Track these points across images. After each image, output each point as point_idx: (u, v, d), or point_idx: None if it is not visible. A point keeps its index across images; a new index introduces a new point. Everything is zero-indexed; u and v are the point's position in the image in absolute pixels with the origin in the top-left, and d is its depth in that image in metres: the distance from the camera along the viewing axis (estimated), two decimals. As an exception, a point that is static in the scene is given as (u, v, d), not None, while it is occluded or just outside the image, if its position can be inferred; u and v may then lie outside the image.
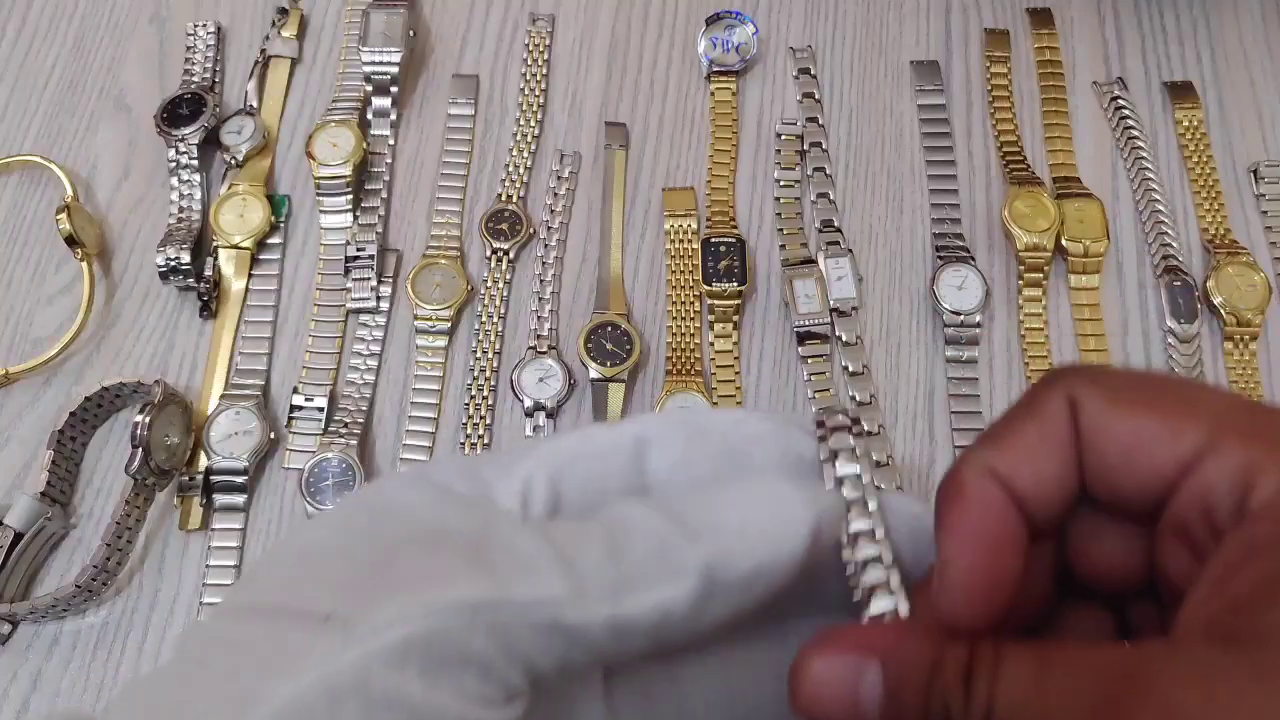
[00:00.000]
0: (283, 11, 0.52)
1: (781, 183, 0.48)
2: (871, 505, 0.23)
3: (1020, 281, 0.46)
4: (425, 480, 0.23)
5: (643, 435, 0.23)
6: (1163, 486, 0.21)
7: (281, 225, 0.48)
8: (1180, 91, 0.50)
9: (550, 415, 0.43)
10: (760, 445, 0.24)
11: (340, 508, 0.23)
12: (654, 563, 0.21)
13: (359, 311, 0.46)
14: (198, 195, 0.48)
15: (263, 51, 0.51)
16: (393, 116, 0.49)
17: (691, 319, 0.45)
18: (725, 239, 0.46)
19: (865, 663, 0.21)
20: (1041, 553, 0.23)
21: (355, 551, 0.21)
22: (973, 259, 0.46)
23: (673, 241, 0.47)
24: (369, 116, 0.50)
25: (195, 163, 0.48)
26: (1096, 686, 0.18)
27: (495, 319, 0.46)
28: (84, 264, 0.45)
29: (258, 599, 0.20)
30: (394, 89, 0.49)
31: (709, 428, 0.24)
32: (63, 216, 0.45)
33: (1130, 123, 0.49)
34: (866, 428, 0.24)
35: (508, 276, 0.47)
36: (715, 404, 0.44)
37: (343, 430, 0.43)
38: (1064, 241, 0.46)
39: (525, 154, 0.49)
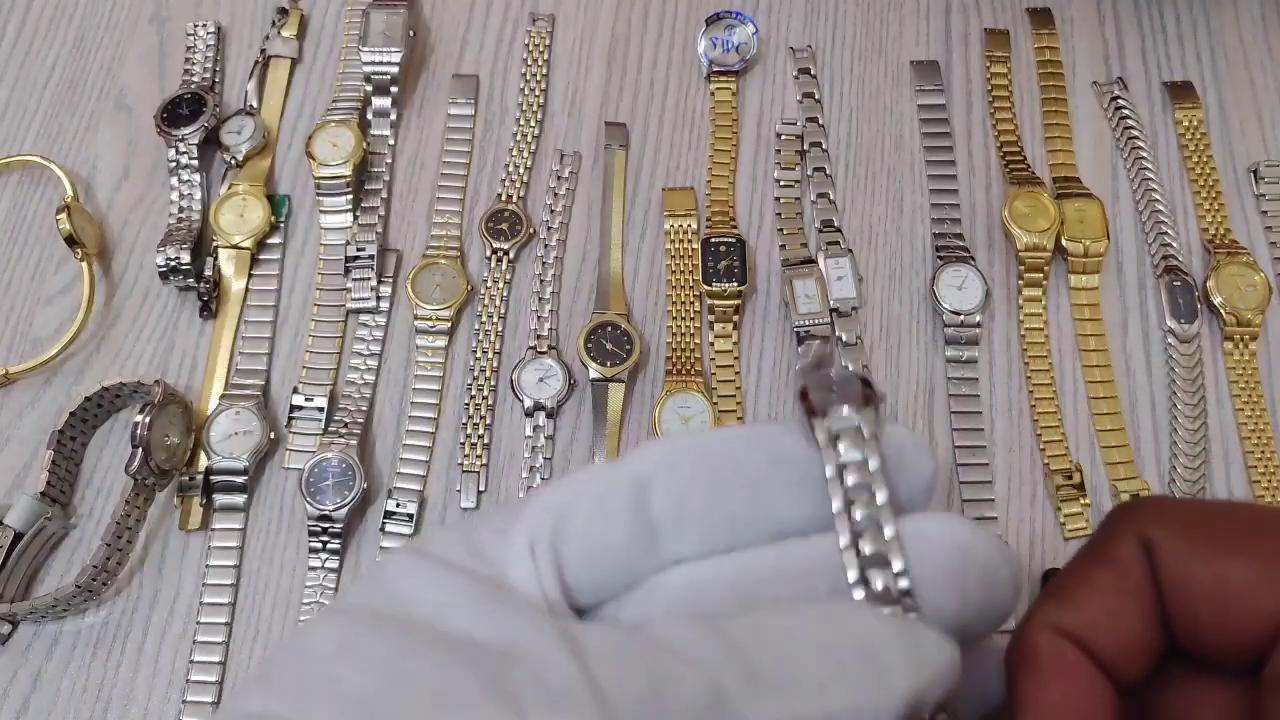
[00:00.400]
0: (283, 11, 0.52)
1: (781, 183, 0.48)
2: (888, 532, 0.20)
3: (1020, 281, 0.46)
4: (434, 565, 0.20)
5: (640, 473, 0.21)
6: (1263, 639, 0.18)
7: (281, 225, 0.48)
8: (1180, 91, 0.50)
9: (550, 415, 0.43)
10: (746, 448, 0.22)
11: (348, 603, 0.20)
12: (706, 714, 0.17)
13: (359, 311, 0.46)
14: (198, 195, 0.48)
15: (263, 51, 0.51)
16: (393, 116, 0.50)
17: (691, 319, 0.45)
18: (725, 239, 0.46)
19: None
20: (1127, 713, 0.20)
21: (370, 664, 0.18)
22: (973, 259, 0.46)
23: (673, 241, 0.47)
24: (369, 116, 0.50)
25: (195, 163, 0.48)
26: None
27: (495, 319, 0.46)
28: (84, 264, 0.45)
29: (260, 709, 0.18)
30: (394, 89, 0.49)
31: (711, 450, 0.21)
32: (63, 216, 0.45)
33: (1130, 123, 0.49)
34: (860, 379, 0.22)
35: (508, 276, 0.47)
36: (715, 404, 0.44)
37: (343, 430, 0.43)
38: (1064, 241, 0.46)
39: (525, 154, 0.49)
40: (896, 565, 0.20)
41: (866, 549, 0.20)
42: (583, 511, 0.21)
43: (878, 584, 0.20)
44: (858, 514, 0.20)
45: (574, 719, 0.17)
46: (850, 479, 0.21)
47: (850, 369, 0.23)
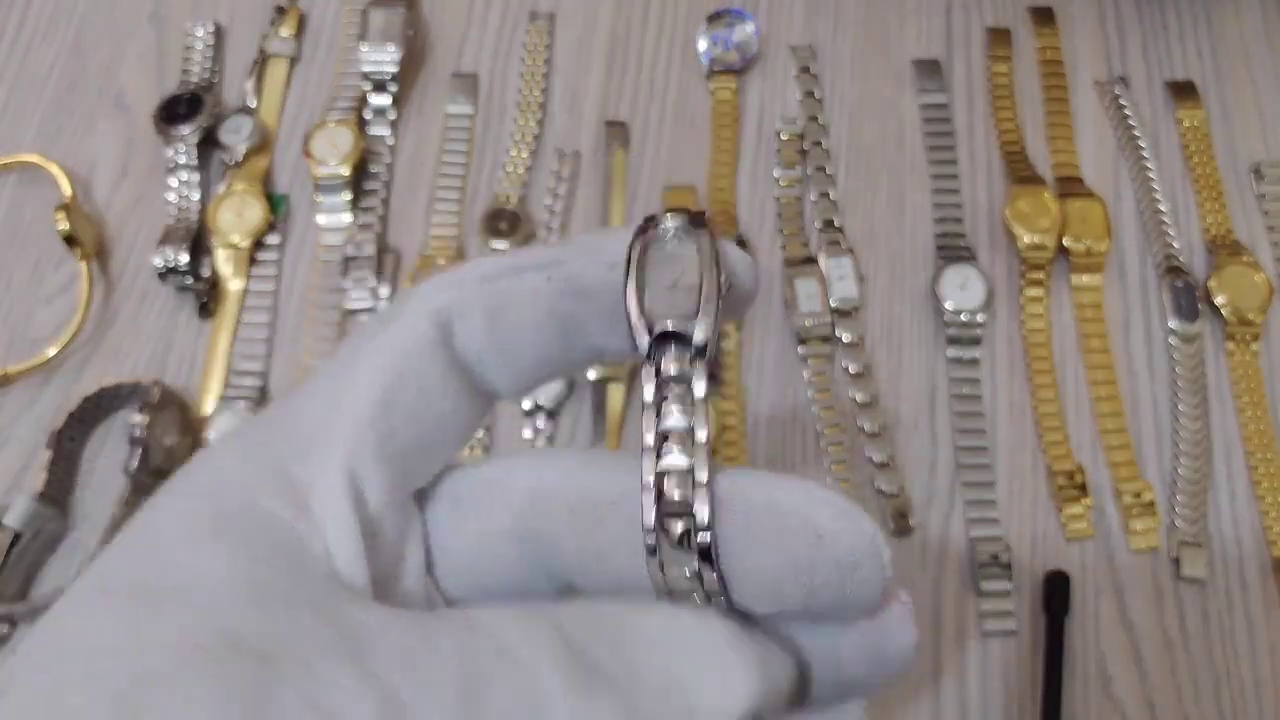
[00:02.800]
0: (281, 10, 0.52)
1: (782, 182, 0.48)
2: (700, 500, 0.17)
3: (1022, 281, 0.46)
4: (213, 529, 0.17)
5: (438, 321, 0.19)
6: None
7: (280, 225, 0.47)
8: (1182, 91, 0.50)
9: (550, 416, 0.43)
10: (546, 283, 0.19)
11: (108, 572, 0.17)
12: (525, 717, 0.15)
13: (357, 312, 0.46)
14: (196, 195, 0.48)
15: (261, 50, 0.51)
16: (392, 115, 0.49)
17: (692, 319, 0.45)
18: (726, 239, 0.46)
19: None
20: None
21: (107, 694, 0.14)
22: (975, 258, 0.46)
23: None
24: (367, 115, 0.49)
25: (194, 162, 0.48)
26: None
27: (495, 319, 0.46)
28: (82, 264, 0.45)
29: None
30: (393, 87, 0.49)
31: (510, 289, 0.19)
32: (61, 216, 0.45)
33: (1132, 122, 0.49)
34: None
35: (507, 276, 0.46)
36: (715, 404, 0.43)
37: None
38: (1066, 241, 0.46)
39: (525, 153, 0.49)
40: (702, 514, 0.17)
41: (674, 494, 0.17)
42: (401, 399, 0.18)
43: (676, 529, 0.17)
44: (673, 459, 0.18)
45: None
46: (671, 383, 0.18)
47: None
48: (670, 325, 0.18)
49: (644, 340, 0.18)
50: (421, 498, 0.20)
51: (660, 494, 0.17)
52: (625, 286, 0.19)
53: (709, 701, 0.16)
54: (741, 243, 0.46)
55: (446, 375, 0.19)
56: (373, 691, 0.14)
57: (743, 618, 0.18)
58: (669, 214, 0.19)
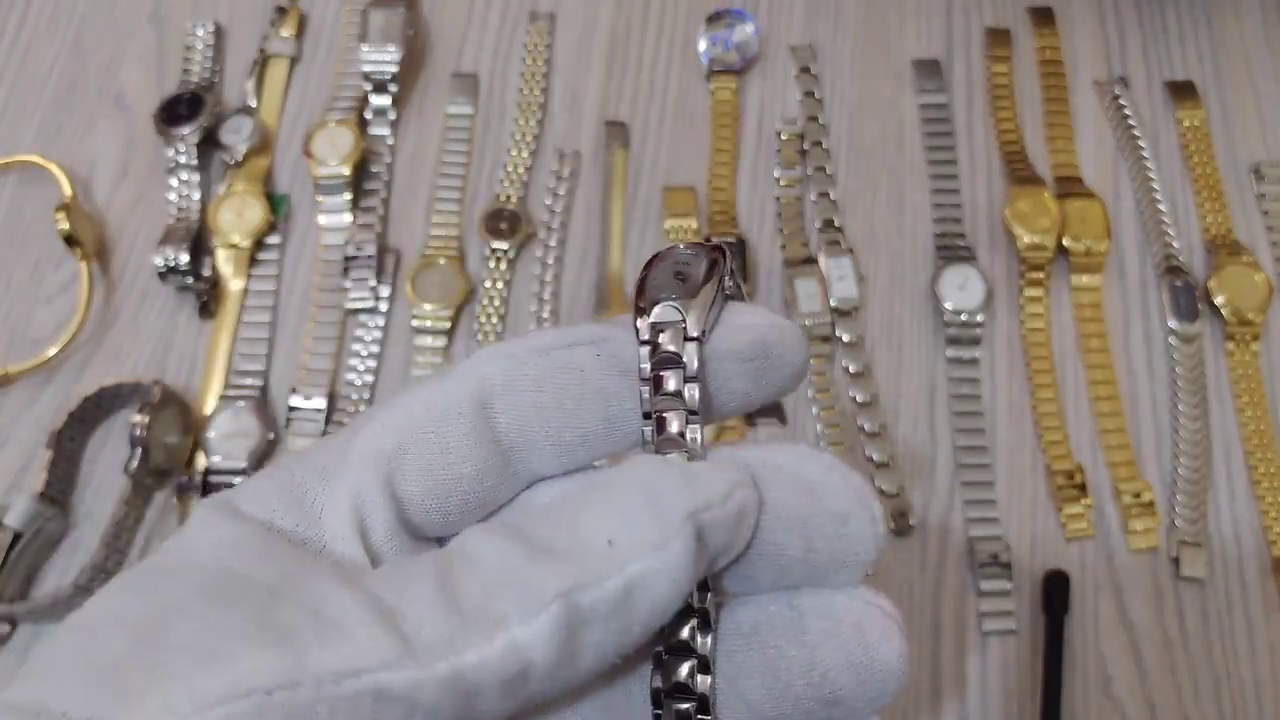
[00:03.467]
0: (281, 10, 0.52)
1: (782, 182, 0.48)
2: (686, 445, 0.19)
3: (1022, 281, 0.46)
4: (232, 513, 0.19)
5: (480, 394, 0.19)
6: None
7: (280, 225, 0.47)
8: (1182, 91, 0.50)
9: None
10: (593, 359, 0.20)
11: (135, 568, 0.18)
12: (498, 596, 0.16)
13: (358, 311, 0.46)
14: (196, 195, 0.48)
15: (261, 50, 0.51)
16: (392, 115, 0.49)
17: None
18: (726, 238, 0.46)
19: None
20: None
21: (125, 623, 0.16)
22: (974, 258, 0.46)
23: (673, 241, 0.47)
24: (368, 115, 0.49)
25: (194, 162, 0.48)
26: None
27: (495, 319, 0.46)
28: (82, 264, 0.45)
29: (20, 698, 0.16)
30: (393, 87, 0.49)
31: (556, 364, 0.20)
32: (61, 216, 0.45)
33: (1131, 122, 0.49)
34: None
35: (507, 276, 0.46)
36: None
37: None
38: (1065, 241, 0.46)
39: (525, 153, 0.49)
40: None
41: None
42: (419, 450, 0.19)
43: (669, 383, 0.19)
44: (670, 426, 0.19)
45: (355, 637, 0.16)
46: (669, 383, 0.19)
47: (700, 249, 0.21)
48: (664, 300, 0.19)
49: (640, 314, 0.19)
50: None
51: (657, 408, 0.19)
52: (637, 287, 0.19)
53: (652, 533, 0.17)
54: (742, 242, 0.46)
55: (475, 441, 0.19)
56: (368, 600, 0.16)
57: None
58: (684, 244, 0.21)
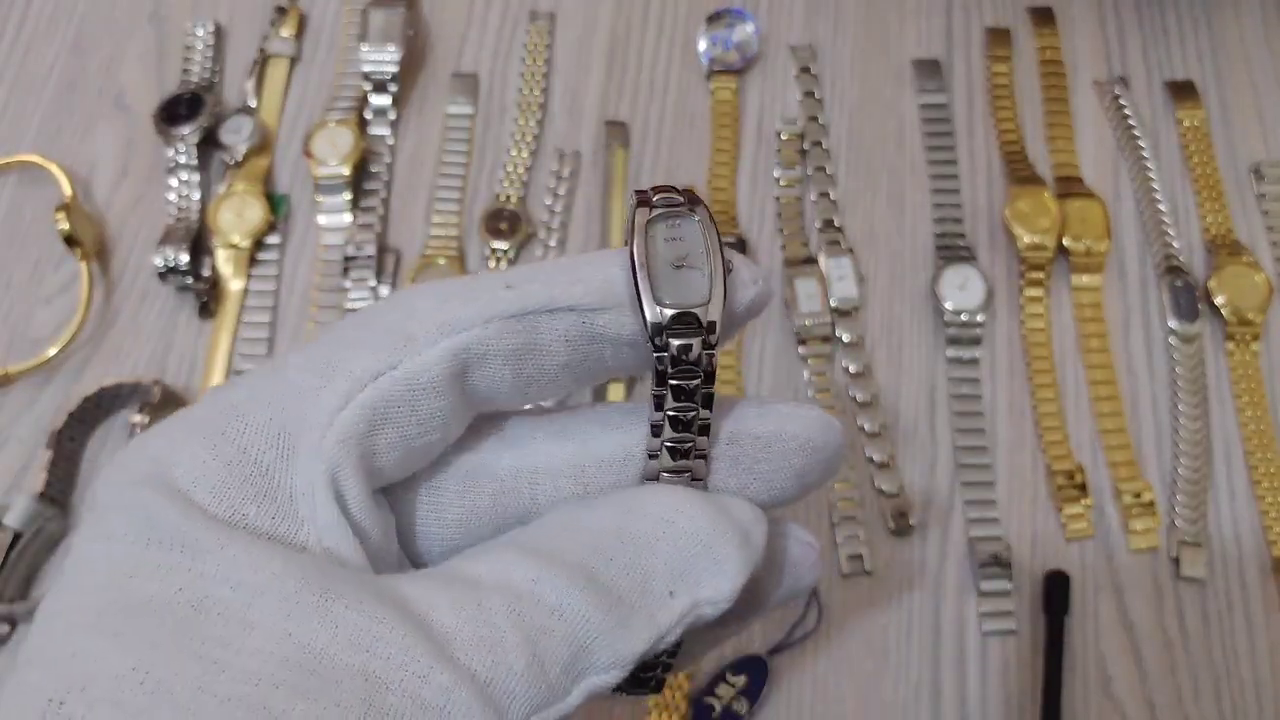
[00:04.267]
0: (281, 10, 0.52)
1: (782, 182, 0.48)
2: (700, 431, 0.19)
3: (1022, 281, 0.46)
4: (184, 512, 0.17)
5: (457, 364, 0.19)
6: None
7: (280, 225, 0.47)
8: (1182, 91, 0.50)
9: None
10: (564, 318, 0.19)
11: (93, 590, 0.16)
12: (582, 659, 0.17)
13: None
14: (196, 195, 0.48)
15: (261, 50, 0.51)
16: (392, 115, 0.49)
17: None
18: (726, 238, 0.46)
19: None
20: None
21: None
22: (974, 258, 0.46)
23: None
24: (368, 115, 0.49)
25: (194, 162, 0.48)
26: None
27: (495, 319, 0.46)
28: (82, 264, 0.45)
29: None
30: (393, 87, 0.49)
31: (534, 322, 0.19)
32: (61, 216, 0.45)
33: (1131, 122, 0.49)
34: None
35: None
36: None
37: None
38: (1066, 241, 0.46)
39: (525, 153, 0.49)
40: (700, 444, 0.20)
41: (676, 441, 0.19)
42: (394, 426, 0.18)
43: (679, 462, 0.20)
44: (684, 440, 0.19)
45: None
46: (684, 395, 0.19)
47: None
48: (680, 307, 0.19)
49: (656, 321, 0.19)
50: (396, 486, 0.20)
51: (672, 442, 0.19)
52: (633, 268, 0.19)
53: (708, 592, 0.19)
54: (742, 242, 0.46)
55: (449, 409, 0.19)
56: (463, 680, 0.16)
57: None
58: (658, 193, 0.20)
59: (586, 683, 0.17)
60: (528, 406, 0.21)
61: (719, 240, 0.19)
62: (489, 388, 0.19)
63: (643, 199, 0.20)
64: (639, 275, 0.19)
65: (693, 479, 0.20)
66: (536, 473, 0.20)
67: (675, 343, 0.19)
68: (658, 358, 0.19)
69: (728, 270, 0.19)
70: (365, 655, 0.16)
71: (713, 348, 0.19)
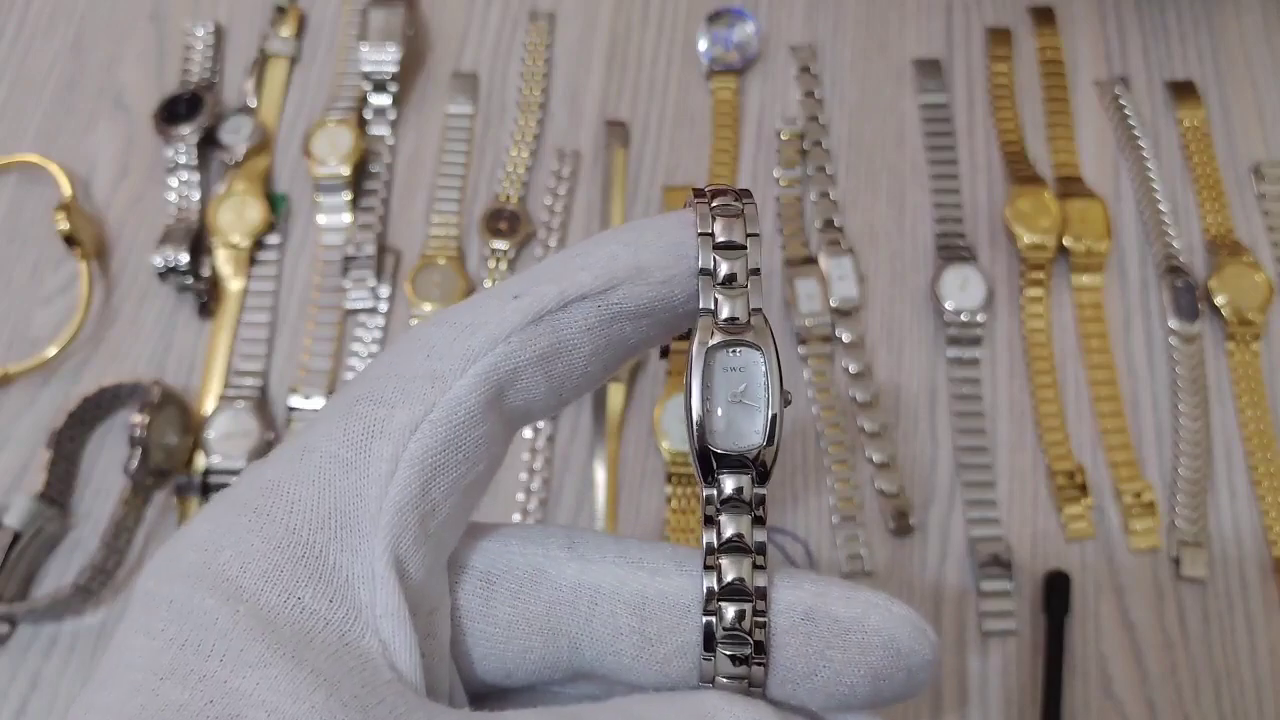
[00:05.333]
0: (281, 10, 0.52)
1: (782, 182, 0.48)
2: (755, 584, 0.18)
3: (1022, 281, 0.46)
4: (262, 626, 0.16)
5: (490, 389, 0.18)
6: None
7: (280, 225, 0.47)
8: (1182, 91, 0.50)
9: (551, 416, 0.43)
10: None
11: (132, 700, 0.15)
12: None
13: (357, 311, 0.46)
14: (196, 195, 0.48)
15: (261, 50, 0.51)
16: (392, 115, 0.49)
17: (692, 319, 0.45)
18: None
19: None
20: None
21: None
22: (975, 258, 0.46)
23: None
24: (368, 115, 0.49)
25: (194, 162, 0.48)
26: None
27: (495, 319, 0.46)
28: (82, 263, 0.45)
29: None
30: (393, 87, 0.49)
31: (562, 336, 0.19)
32: (61, 216, 0.45)
33: (1131, 122, 0.49)
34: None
35: (507, 276, 0.46)
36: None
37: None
38: (1066, 241, 0.46)
39: (525, 153, 0.49)
40: (758, 634, 0.18)
41: (730, 616, 0.18)
42: (445, 474, 0.18)
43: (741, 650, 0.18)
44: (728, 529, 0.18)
45: None
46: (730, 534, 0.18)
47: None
48: (735, 450, 0.18)
49: (709, 461, 0.18)
50: (450, 565, 0.19)
51: (718, 609, 0.18)
52: (689, 399, 0.18)
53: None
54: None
55: (491, 436, 0.18)
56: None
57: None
58: (720, 258, 0.19)
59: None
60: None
61: (780, 375, 0.19)
62: (525, 400, 0.19)
63: (705, 321, 0.19)
64: (694, 413, 0.18)
65: (750, 685, 0.18)
66: (599, 593, 0.19)
67: (728, 484, 0.18)
68: (707, 495, 0.19)
69: (787, 402, 0.19)
70: None
71: (764, 482, 0.18)
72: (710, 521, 0.18)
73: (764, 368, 0.19)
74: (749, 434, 0.18)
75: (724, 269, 0.19)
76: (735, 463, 0.18)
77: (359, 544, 0.17)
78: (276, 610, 0.16)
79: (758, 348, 0.19)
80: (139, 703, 0.15)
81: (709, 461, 0.18)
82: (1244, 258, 0.46)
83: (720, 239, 0.19)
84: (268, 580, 0.16)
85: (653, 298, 0.19)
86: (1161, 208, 0.47)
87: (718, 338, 0.18)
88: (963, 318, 0.45)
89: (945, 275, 0.45)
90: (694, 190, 0.19)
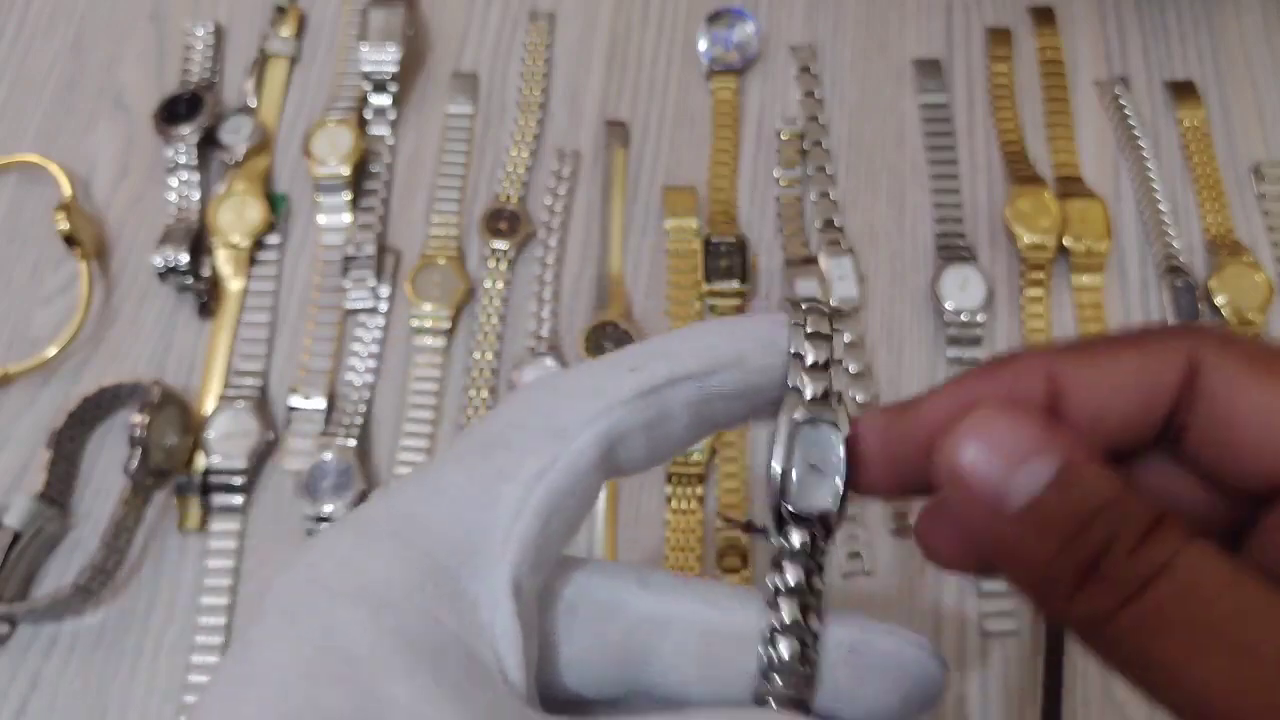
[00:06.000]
0: (281, 10, 0.52)
1: (782, 182, 0.48)
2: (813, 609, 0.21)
3: (1022, 281, 0.46)
4: (402, 637, 0.17)
5: (607, 446, 0.21)
6: None
7: (280, 225, 0.47)
8: (1182, 91, 0.50)
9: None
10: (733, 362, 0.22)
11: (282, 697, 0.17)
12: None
13: (357, 311, 0.46)
14: (196, 195, 0.48)
15: (261, 50, 0.51)
16: (392, 115, 0.49)
17: (692, 319, 0.45)
18: (726, 238, 0.46)
19: (1042, 451, 0.18)
20: None
21: None
22: (975, 258, 0.46)
23: (673, 241, 0.47)
24: (368, 115, 0.49)
25: (194, 162, 0.48)
26: None
27: (494, 319, 0.46)
28: (82, 263, 0.45)
29: None
30: (393, 87, 0.49)
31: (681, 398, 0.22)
32: (61, 216, 0.45)
33: (1131, 122, 0.49)
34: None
35: (507, 276, 0.46)
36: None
37: (341, 431, 0.43)
38: (1066, 241, 0.46)
39: (525, 153, 0.49)
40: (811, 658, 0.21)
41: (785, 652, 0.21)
42: (560, 516, 0.20)
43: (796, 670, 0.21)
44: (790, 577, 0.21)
45: None
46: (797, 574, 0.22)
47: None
48: (806, 510, 0.22)
49: (782, 516, 0.22)
50: (543, 593, 0.21)
51: (776, 642, 0.21)
52: (771, 462, 0.21)
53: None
54: (742, 242, 0.46)
55: (598, 486, 0.21)
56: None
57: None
58: (810, 346, 0.22)
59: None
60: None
61: (854, 454, 0.22)
62: (628, 458, 0.22)
63: (793, 398, 0.22)
64: (775, 474, 0.21)
65: (797, 702, 0.21)
66: (670, 622, 0.21)
67: (795, 537, 0.22)
68: (778, 545, 0.22)
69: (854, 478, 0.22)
70: None
71: (827, 540, 0.22)
72: (778, 566, 0.21)
73: (839, 448, 0.22)
74: (820, 498, 0.22)
75: (811, 357, 0.22)
76: (804, 520, 0.21)
77: (485, 571, 0.19)
78: (416, 626, 0.18)
79: (836, 426, 0.22)
80: (293, 703, 0.16)
81: (781, 516, 0.22)
82: (1244, 258, 0.46)
83: (810, 330, 0.22)
84: (408, 598, 0.18)
85: (746, 384, 0.22)
86: (1161, 208, 0.47)
87: (803, 413, 0.22)
88: (963, 318, 0.45)
89: (945, 275, 0.45)
90: (788, 299, 0.24)
